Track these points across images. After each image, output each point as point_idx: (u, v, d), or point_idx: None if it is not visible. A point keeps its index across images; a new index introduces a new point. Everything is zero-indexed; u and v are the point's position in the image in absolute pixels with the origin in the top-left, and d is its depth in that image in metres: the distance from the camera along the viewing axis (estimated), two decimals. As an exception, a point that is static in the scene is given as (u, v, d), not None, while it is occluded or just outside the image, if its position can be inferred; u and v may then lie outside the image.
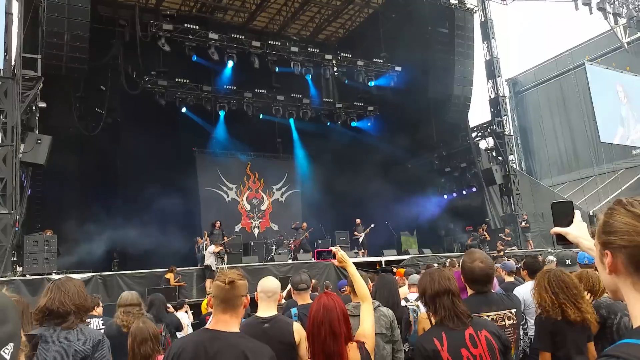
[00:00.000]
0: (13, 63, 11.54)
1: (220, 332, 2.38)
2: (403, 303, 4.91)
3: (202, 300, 9.84)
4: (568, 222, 1.83)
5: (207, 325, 2.54)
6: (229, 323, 2.41)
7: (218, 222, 15.61)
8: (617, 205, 1.20)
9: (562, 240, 1.84)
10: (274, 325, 3.09)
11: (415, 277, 5.62)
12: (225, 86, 18.89)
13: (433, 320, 2.57)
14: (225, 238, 14.90)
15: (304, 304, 4.09)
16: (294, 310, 4.29)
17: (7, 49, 11.34)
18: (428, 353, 2.38)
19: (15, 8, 11.78)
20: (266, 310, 3.19)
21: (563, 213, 1.86)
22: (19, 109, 11.30)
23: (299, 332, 3.09)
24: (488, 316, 2.77)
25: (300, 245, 16.09)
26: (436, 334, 2.44)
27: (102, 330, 4.37)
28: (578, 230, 1.80)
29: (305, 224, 17.00)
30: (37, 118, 12.30)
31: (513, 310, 2.94)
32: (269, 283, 3.29)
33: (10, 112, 11.11)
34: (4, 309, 0.86)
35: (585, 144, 27.32)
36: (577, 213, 1.84)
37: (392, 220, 18.57)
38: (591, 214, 22.56)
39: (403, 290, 5.98)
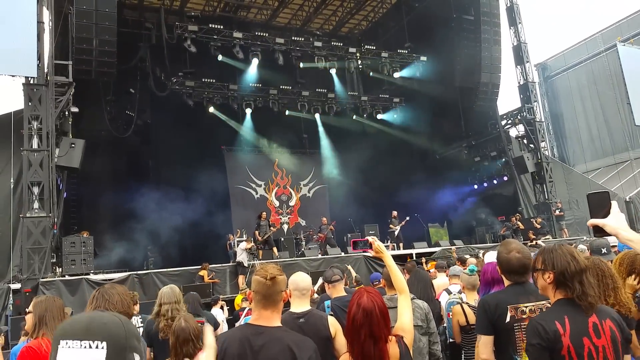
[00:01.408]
0: (46, 70, 11.88)
1: (264, 327, 2.40)
2: (445, 295, 4.88)
3: (236, 296, 9.98)
4: (605, 213, 1.79)
5: (250, 321, 2.54)
6: (271, 318, 2.43)
7: (264, 213, 15.80)
8: None
9: (599, 231, 1.80)
10: (309, 320, 3.10)
11: (457, 269, 5.55)
12: (250, 84, 19.02)
13: (552, 300, 2.33)
14: (272, 228, 15.16)
15: (338, 297, 4.11)
16: (327, 302, 4.31)
17: (40, 57, 11.67)
18: (549, 335, 2.14)
19: (46, 17, 12.11)
20: (300, 305, 3.20)
21: (599, 204, 1.82)
22: (53, 115, 11.64)
23: (333, 325, 3.10)
24: (526, 307, 2.72)
25: (325, 240, 16.10)
26: (558, 316, 2.19)
27: (141, 329, 4.46)
28: (616, 222, 1.75)
29: (325, 219, 16.95)
30: (70, 123, 12.65)
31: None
32: (301, 280, 3.29)
33: (45, 118, 11.46)
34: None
35: (620, 128, 26.43)
36: (614, 204, 1.80)
37: (421, 212, 18.40)
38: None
39: (438, 283, 5.94)
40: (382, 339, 2.41)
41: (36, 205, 11.11)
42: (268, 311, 2.44)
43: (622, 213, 1.77)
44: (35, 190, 11.16)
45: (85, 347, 0.97)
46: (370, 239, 2.94)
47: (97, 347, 0.98)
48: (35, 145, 11.36)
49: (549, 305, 2.86)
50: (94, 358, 0.97)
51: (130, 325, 1.05)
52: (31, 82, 11.64)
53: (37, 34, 11.60)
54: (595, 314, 2.19)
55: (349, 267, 9.80)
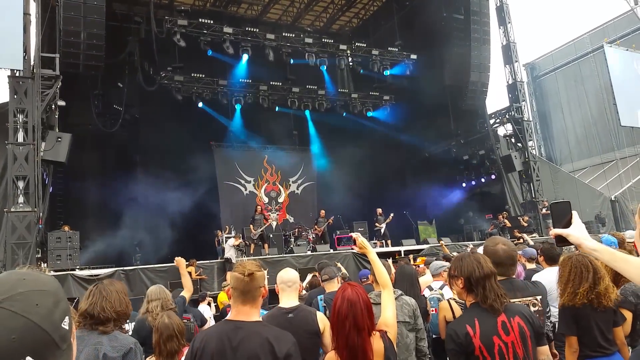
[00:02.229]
0: (32, 63, 11.72)
1: (243, 322, 2.42)
2: (427, 292, 4.90)
3: (219, 293, 9.93)
4: (567, 223, 1.83)
5: (229, 317, 2.55)
6: (249, 313, 2.45)
7: (259, 207, 15.73)
8: None
9: (562, 241, 1.84)
10: (298, 315, 3.12)
11: (438, 264, 5.59)
12: (240, 80, 18.92)
13: (467, 304, 2.55)
14: (265, 221, 15.14)
15: (331, 291, 4.18)
16: (320, 296, 4.35)
17: (26, 50, 11.50)
18: (460, 339, 2.35)
19: (33, 9, 11.94)
20: (288, 300, 3.22)
21: (561, 214, 1.86)
22: (39, 108, 11.49)
23: (322, 320, 3.13)
24: (512, 301, 2.75)
25: (322, 234, 16.08)
26: (468, 320, 2.41)
27: (132, 325, 4.41)
28: (579, 232, 1.79)
29: (323, 212, 16.92)
30: (56, 116, 12.47)
31: (538, 297, 2.92)
32: (288, 274, 3.32)
33: (30, 112, 11.30)
34: (55, 290, 0.98)
35: (606, 128, 26.80)
36: (575, 213, 1.84)
37: (410, 209, 18.48)
38: (613, 198, 22.19)
39: (424, 280, 5.97)
40: (366, 330, 2.44)
41: (21, 199, 10.96)
42: (247, 307, 2.46)
43: (583, 224, 1.82)
44: (21, 184, 11.01)
45: None
46: (354, 235, 2.97)
47: None
48: (20, 139, 11.20)
49: (536, 301, 2.90)
50: None
51: (49, 314, 0.92)
52: (17, 74, 11.47)
53: (24, 26, 11.43)
54: (503, 312, 2.40)
55: (338, 264, 9.85)
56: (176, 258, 5.08)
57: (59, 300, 0.97)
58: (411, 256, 11.35)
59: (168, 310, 3.62)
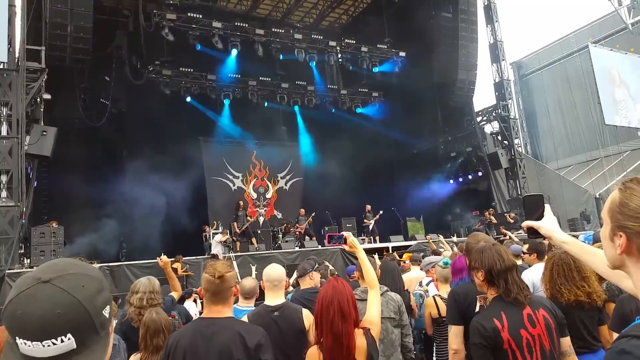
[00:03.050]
0: (17, 55, 11.55)
1: (215, 318, 2.52)
2: (417, 287, 4.95)
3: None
4: (539, 216, 1.88)
5: (202, 315, 2.67)
6: (221, 311, 2.54)
7: (242, 203, 15.68)
8: (637, 185, 1.16)
9: (533, 233, 1.89)
10: (283, 313, 3.13)
11: (427, 260, 5.63)
12: (229, 75, 18.83)
13: (489, 298, 2.51)
14: (249, 218, 15.10)
15: (304, 289, 4.11)
16: (289, 295, 4.30)
17: (10, 41, 11.33)
18: (488, 333, 2.30)
19: (18, 0, 11.74)
20: (274, 298, 3.24)
21: (534, 206, 1.90)
22: (24, 101, 11.32)
23: (308, 318, 3.14)
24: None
25: (305, 232, 16.14)
26: (495, 313, 2.36)
27: (115, 321, 4.36)
28: (550, 224, 1.84)
29: (303, 210, 16.90)
30: (42, 110, 12.28)
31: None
32: (274, 271, 3.32)
33: (15, 105, 11.14)
34: (101, 279, 1.05)
35: (591, 127, 27.13)
36: (547, 207, 1.89)
37: (398, 205, 18.58)
38: (597, 196, 22.51)
39: (412, 275, 6.02)
40: (351, 318, 2.47)
41: (4, 194, 10.82)
42: (218, 306, 2.55)
43: (555, 216, 1.87)
44: (4, 178, 10.86)
45: (48, 345, 0.93)
46: (345, 233, 2.99)
47: (61, 341, 0.94)
48: (4, 133, 11.04)
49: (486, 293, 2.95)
50: (63, 349, 0.94)
51: (92, 297, 0.99)
52: (1, 66, 11.29)
53: (8, 18, 11.26)
54: (528, 305, 2.38)
55: (326, 262, 9.89)
56: (160, 258, 4.83)
57: (103, 288, 1.04)
58: (395, 253, 11.41)
59: (156, 307, 3.59)
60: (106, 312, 1.02)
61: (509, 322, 2.30)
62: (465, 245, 3.06)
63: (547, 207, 1.89)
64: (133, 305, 3.87)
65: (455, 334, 2.95)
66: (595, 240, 4.56)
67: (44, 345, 0.93)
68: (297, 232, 16.17)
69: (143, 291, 3.95)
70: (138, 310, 3.77)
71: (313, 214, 16.54)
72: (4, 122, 11.07)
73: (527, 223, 1.89)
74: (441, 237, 12.32)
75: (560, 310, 3.16)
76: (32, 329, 0.93)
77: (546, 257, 3.59)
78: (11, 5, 11.37)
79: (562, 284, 3.19)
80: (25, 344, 0.93)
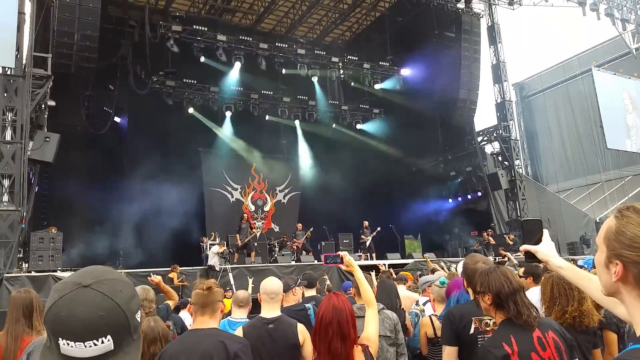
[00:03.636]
0: (24, 62, 11.66)
1: (200, 329, 2.66)
2: (413, 306, 4.93)
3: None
4: (537, 240, 1.91)
5: (190, 328, 2.87)
6: (207, 322, 2.68)
7: (245, 216, 15.69)
8: (633, 213, 1.16)
9: (531, 257, 1.92)
10: (278, 327, 3.14)
11: (423, 280, 5.61)
12: (232, 87, 18.98)
13: (497, 321, 2.43)
14: (253, 231, 15.10)
15: (288, 306, 4.06)
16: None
17: (18, 48, 11.45)
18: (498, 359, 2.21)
19: (28, 8, 11.90)
20: (270, 311, 3.24)
21: (533, 231, 1.95)
22: (29, 107, 11.42)
23: (302, 332, 3.14)
24: (490, 320, 2.78)
25: (302, 247, 16.09)
26: (504, 338, 2.25)
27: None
28: (547, 249, 1.87)
29: (300, 225, 16.82)
30: (46, 116, 12.39)
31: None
32: (271, 284, 3.33)
33: (20, 110, 11.23)
34: (132, 285, 1.12)
35: (592, 150, 27.20)
36: (546, 232, 1.93)
37: (396, 223, 18.55)
38: (598, 220, 22.47)
39: (406, 293, 6.00)
40: (350, 339, 2.49)
41: (5, 198, 10.85)
42: (205, 317, 2.70)
43: (552, 242, 1.89)
44: (6, 182, 10.90)
45: (90, 346, 0.99)
46: (341, 253, 2.99)
47: (102, 342, 1.00)
48: (8, 137, 11.11)
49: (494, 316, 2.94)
50: (102, 350, 1.00)
51: (128, 302, 1.06)
52: (8, 72, 11.40)
53: (18, 25, 11.39)
54: (537, 328, 2.28)
55: (325, 276, 9.88)
56: (150, 278, 4.78)
57: (135, 294, 1.10)
58: (392, 270, 11.36)
59: (154, 316, 3.60)
60: (138, 316, 1.09)
61: (519, 346, 2.22)
62: (463, 265, 3.06)
63: (545, 232, 1.92)
64: None
65: (449, 354, 2.95)
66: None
67: (85, 346, 0.99)
68: (293, 247, 16.12)
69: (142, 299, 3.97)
70: None
71: (311, 229, 16.51)
72: (9, 127, 11.14)
73: (525, 247, 1.92)
74: (427, 257, 12.29)
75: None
76: (76, 330, 0.98)
77: (543, 278, 3.59)
78: (21, 13, 11.52)
79: (565, 304, 3.16)
80: (68, 344, 0.99)
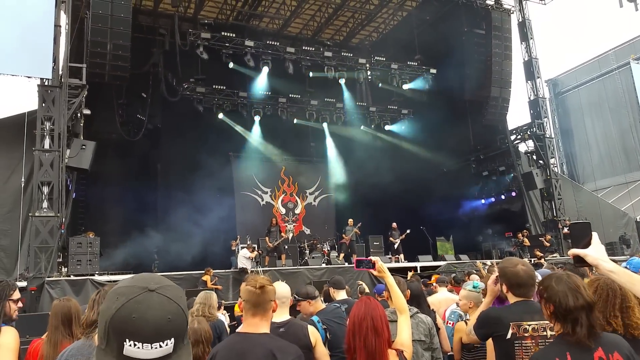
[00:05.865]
0: (60, 72, 12.04)
1: (250, 334, 2.51)
2: (453, 306, 4.85)
3: (236, 303, 9.98)
4: (586, 244, 1.84)
5: (239, 329, 2.65)
6: (258, 325, 2.53)
7: (274, 219, 15.79)
8: None
9: (580, 261, 1.85)
10: (289, 330, 3.17)
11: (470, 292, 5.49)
12: (260, 92, 19.16)
13: (556, 333, 2.24)
14: (282, 234, 15.20)
15: (320, 310, 4.13)
16: (315, 318, 4.25)
17: (55, 60, 11.83)
18: None
19: (64, 20, 12.30)
20: (279, 315, 3.27)
21: (581, 234, 1.88)
22: (65, 116, 11.78)
23: (314, 334, 3.19)
24: (529, 325, 2.69)
25: (350, 244, 15.98)
26: (559, 353, 2.05)
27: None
28: (597, 252, 1.80)
29: (351, 220, 16.64)
30: (82, 124, 12.76)
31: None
32: (280, 289, 3.37)
33: (57, 119, 11.60)
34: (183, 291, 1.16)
35: (631, 147, 26.29)
36: (595, 235, 1.85)
37: (427, 225, 18.33)
38: (638, 219, 21.67)
39: (439, 297, 5.91)
40: (384, 336, 2.47)
41: (45, 204, 11.20)
42: (256, 319, 2.54)
43: (602, 245, 1.81)
44: (45, 189, 11.26)
45: (155, 347, 1.02)
46: (373, 258, 2.99)
47: (166, 345, 1.03)
48: (47, 146, 11.48)
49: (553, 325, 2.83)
50: (163, 353, 1.03)
51: (187, 308, 1.11)
52: (46, 83, 11.79)
53: (54, 37, 11.78)
54: (601, 347, 2.05)
55: (359, 281, 9.83)
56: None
57: (186, 299, 1.17)
58: (411, 273, 11.20)
59: (198, 317, 3.69)
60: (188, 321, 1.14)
61: None
62: (500, 269, 2.95)
63: (594, 235, 1.85)
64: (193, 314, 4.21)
65: (469, 332, 2.91)
66: None
67: (152, 347, 1.02)
68: (341, 243, 15.97)
69: (200, 302, 4.31)
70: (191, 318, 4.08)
71: (359, 224, 16.34)
72: (47, 136, 11.51)
73: (573, 251, 1.85)
74: (479, 263, 11.98)
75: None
76: (146, 332, 1.01)
77: (589, 279, 3.45)
78: (57, 26, 11.90)
79: (600, 310, 3.04)
80: (135, 345, 1.01)
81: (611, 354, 2.05)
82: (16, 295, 3.21)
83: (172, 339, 1.04)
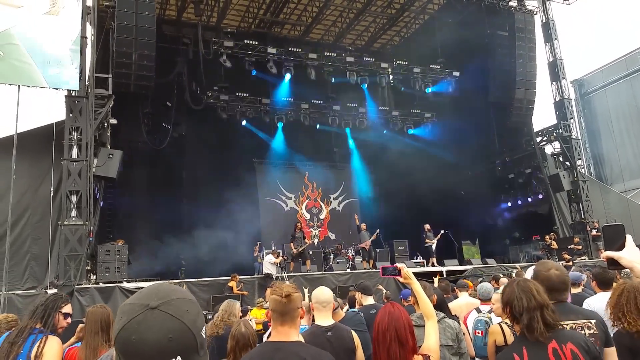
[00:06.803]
0: (87, 83, 12.32)
1: (282, 342, 2.51)
2: (474, 313, 4.80)
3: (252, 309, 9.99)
4: (620, 246, 1.81)
5: (269, 338, 2.68)
6: (288, 334, 2.53)
7: (299, 225, 15.82)
8: None
9: (613, 264, 1.82)
10: (336, 333, 3.25)
11: (487, 287, 5.44)
12: (283, 98, 19.30)
13: (517, 332, 2.45)
14: (306, 241, 15.23)
15: (366, 305, 4.21)
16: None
17: (81, 71, 12.11)
18: None
19: (89, 32, 12.59)
20: (324, 319, 3.36)
21: (614, 237, 1.86)
22: (92, 126, 12.04)
23: (356, 338, 3.34)
24: (566, 324, 2.65)
25: (369, 249, 15.82)
26: (517, 349, 2.30)
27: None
28: (631, 255, 1.77)
29: (364, 225, 16.41)
30: (108, 134, 13.01)
31: (592, 321, 2.79)
32: (323, 294, 3.44)
33: (84, 129, 11.85)
34: (196, 302, 1.14)
35: (662, 147, 25.54)
36: (629, 237, 1.82)
37: (452, 228, 18.12)
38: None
39: (460, 302, 5.86)
40: (408, 344, 2.48)
41: (74, 213, 11.43)
42: (285, 327, 2.55)
43: (637, 248, 1.78)
44: (74, 198, 11.49)
45: None
46: (399, 265, 2.99)
47: None
48: (74, 155, 11.73)
49: (590, 325, 2.77)
50: None
51: (195, 321, 1.07)
52: (73, 94, 12.07)
53: (80, 48, 12.06)
54: (554, 339, 2.26)
55: (379, 286, 9.79)
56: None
57: (199, 310, 1.12)
58: (437, 277, 11.06)
59: (244, 319, 3.85)
60: (203, 332, 1.10)
61: (530, 357, 2.23)
62: (534, 273, 2.93)
63: (628, 237, 1.82)
64: (216, 320, 4.61)
65: None
66: None
67: None
68: (361, 248, 15.94)
69: (222, 309, 4.61)
70: (212, 323, 4.43)
71: (377, 231, 16.15)
72: (75, 146, 11.77)
73: (607, 254, 1.83)
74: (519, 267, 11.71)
75: (631, 344, 2.94)
76: (147, 353, 1.00)
77: (616, 284, 3.38)
78: (83, 37, 12.18)
79: (627, 312, 2.98)
80: None
81: (564, 344, 2.26)
82: (67, 309, 3.28)
83: (179, 357, 1.01)
